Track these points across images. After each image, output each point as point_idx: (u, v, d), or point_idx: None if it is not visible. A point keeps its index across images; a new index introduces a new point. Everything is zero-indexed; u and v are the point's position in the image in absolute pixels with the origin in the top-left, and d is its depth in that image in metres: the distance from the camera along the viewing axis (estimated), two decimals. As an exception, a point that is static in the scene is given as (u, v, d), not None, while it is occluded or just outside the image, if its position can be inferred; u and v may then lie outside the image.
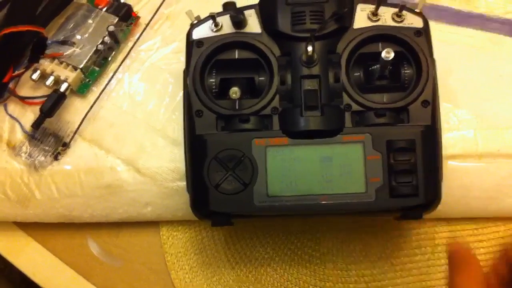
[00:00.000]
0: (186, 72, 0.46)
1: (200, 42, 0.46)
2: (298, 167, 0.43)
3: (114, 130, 0.54)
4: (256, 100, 0.44)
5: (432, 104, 0.44)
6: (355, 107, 0.44)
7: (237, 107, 0.44)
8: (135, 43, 0.57)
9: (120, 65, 0.56)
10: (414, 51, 0.44)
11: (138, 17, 0.59)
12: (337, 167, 0.43)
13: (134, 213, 0.53)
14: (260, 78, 0.46)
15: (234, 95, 0.43)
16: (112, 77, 0.56)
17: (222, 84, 0.46)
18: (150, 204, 0.53)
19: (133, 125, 0.54)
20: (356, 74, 0.46)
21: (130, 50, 0.56)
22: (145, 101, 0.55)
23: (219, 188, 0.43)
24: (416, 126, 0.43)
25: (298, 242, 0.54)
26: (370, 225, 0.54)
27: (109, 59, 0.57)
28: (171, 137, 0.53)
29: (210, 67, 0.46)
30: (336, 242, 0.53)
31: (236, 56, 0.46)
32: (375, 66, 0.45)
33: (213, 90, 0.46)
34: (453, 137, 0.52)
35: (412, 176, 0.42)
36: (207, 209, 0.43)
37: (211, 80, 0.46)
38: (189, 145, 0.45)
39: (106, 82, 0.56)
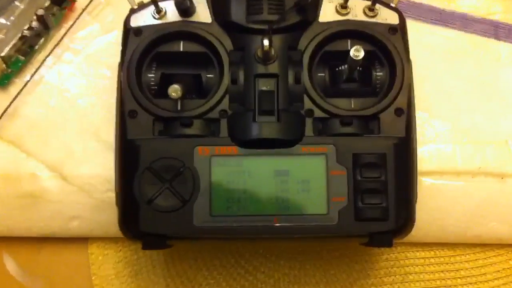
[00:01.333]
0: (120, 64, 0.41)
1: (138, 30, 0.41)
2: (249, 182, 0.39)
3: (38, 130, 0.48)
4: (202, 101, 0.40)
5: (407, 113, 0.40)
6: (317, 113, 0.40)
7: (179, 108, 0.40)
8: (68, 30, 0.50)
9: (49, 54, 0.50)
10: (387, 50, 0.41)
11: (73, 1, 0.52)
12: (294, 183, 0.39)
13: (58, 228, 0.48)
14: (208, 75, 0.42)
15: (174, 94, 0.38)
16: (39, 68, 0.49)
17: (163, 81, 0.41)
18: (77, 218, 0.47)
19: (61, 125, 0.48)
20: (320, 75, 0.42)
21: (62, 38, 0.50)
22: (77, 98, 0.49)
23: (152, 204, 0.38)
24: (388, 138, 0.39)
25: (250, 266, 0.49)
26: (333, 248, 0.49)
27: (37, 47, 0.50)
28: (105, 140, 0.47)
29: (150, 60, 0.41)
30: (293, 267, 0.49)
31: (181, 49, 0.41)
32: (343, 67, 0.41)
33: (152, 88, 0.41)
34: (428, 150, 0.47)
35: (382, 197, 0.38)
36: (137, 229, 0.39)
37: (149, 75, 0.41)
38: (119, 151, 0.40)
39: (31, 73, 0.49)
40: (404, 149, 0.40)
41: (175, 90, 0.38)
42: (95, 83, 0.50)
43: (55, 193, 0.47)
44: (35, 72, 0.50)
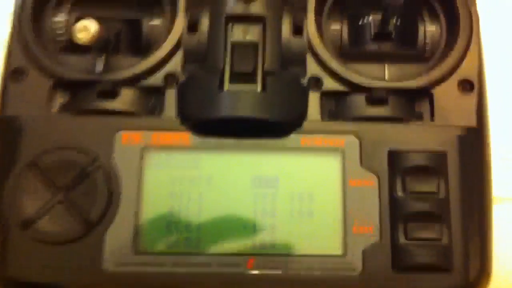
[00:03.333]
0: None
1: None
2: (207, 196, 0.28)
3: None
4: (138, 59, 0.31)
5: (478, 88, 0.30)
6: (329, 83, 0.30)
7: (99, 69, 0.30)
8: None
9: None
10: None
11: None
12: (286, 199, 0.28)
13: None
14: (153, 22, 0.32)
15: (81, 36, 0.27)
16: None
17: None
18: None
19: None
20: (334, 27, 0.32)
21: None
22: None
23: (32, 228, 0.27)
24: (448, 128, 0.29)
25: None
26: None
27: None
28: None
29: (60, -4, 0.33)
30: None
31: (111, -22, 0.33)
32: (371, 16, 0.32)
33: (60, 39, 0.32)
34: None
35: (439, 227, 0.28)
36: (3, 271, 0.27)
37: (57, 19, 0.32)
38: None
39: None
40: (475, 145, 0.29)
41: (84, 28, 0.27)
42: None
43: None
44: None
